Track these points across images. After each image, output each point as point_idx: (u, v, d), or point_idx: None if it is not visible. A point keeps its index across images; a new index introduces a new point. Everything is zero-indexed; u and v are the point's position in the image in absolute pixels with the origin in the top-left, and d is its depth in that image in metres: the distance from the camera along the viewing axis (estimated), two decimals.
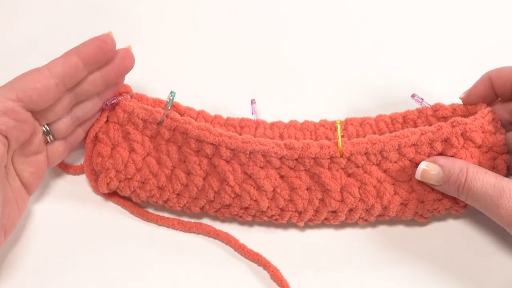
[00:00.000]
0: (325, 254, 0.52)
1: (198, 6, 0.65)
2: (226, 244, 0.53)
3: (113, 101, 0.52)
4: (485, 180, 0.47)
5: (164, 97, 0.55)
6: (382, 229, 0.53)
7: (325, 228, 0.53)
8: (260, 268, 0.52)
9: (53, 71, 0.46)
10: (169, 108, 0.51)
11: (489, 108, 0.51)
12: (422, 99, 0.53)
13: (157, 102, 0.54)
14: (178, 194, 0.51)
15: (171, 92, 0.51)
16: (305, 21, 0.64)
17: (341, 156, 0.50)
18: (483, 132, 0.50)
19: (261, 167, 0.50)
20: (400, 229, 0.53)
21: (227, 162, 0.50)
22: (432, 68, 0.61)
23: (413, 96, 0.54)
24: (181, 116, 0.54)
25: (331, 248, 0.52)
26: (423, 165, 0.49)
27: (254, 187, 0.50)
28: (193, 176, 0.51)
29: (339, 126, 0.50)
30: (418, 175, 0.49)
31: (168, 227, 0.53)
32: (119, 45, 0.49)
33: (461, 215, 0.54)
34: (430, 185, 0.50)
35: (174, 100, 0.54)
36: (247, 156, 0.50)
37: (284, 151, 0.50)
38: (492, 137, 0.50)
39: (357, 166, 0.50)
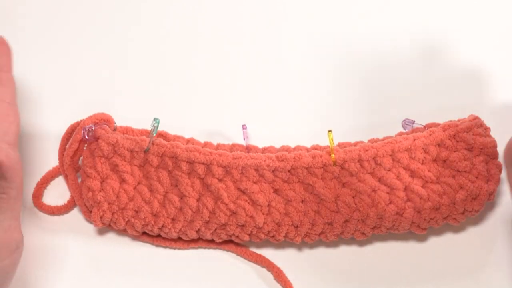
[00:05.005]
0: (330, 257, 0.54)
1: (186, 32, 0.60)
2: (227, 250, 0.53)
3: (89, 133, 0.50)
4: None
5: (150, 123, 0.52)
6: (392, 243, 0.54)
7: None
8: (264, 269, 0.53)
9: None
10: (154, 135, 0.50)
11: (475, 115, 0.52)
12: (413, 121, 0.54)
13: (143, 133, 0.53)
14: (173, 219, 0.51)
15: (155, 119, 0.50)
16: (297, 45, 0.60)
17: (334, 165, 0.50)
18: (473, 134, 0.51)
19: (254, 182, 0.50)
20: (411, 245, 0.54)
21: (220, 180, 0.50)
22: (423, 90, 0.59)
23: (403, 122, 0.54)
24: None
25: (336, 251, 0.54)
26: None
27: (248, 203, 0.50)
28: (186, 198, 0.50)
29: (331, 135, 0.50)
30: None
31: (165, 247, 0.53)
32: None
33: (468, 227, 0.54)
34: None
35: (163, 130, 0.53)
36: (240, 172, 0.50)
37: (276, 163, 0.50)
38: (482, 138, 0.51)
39: (351, 175, 0.50)
